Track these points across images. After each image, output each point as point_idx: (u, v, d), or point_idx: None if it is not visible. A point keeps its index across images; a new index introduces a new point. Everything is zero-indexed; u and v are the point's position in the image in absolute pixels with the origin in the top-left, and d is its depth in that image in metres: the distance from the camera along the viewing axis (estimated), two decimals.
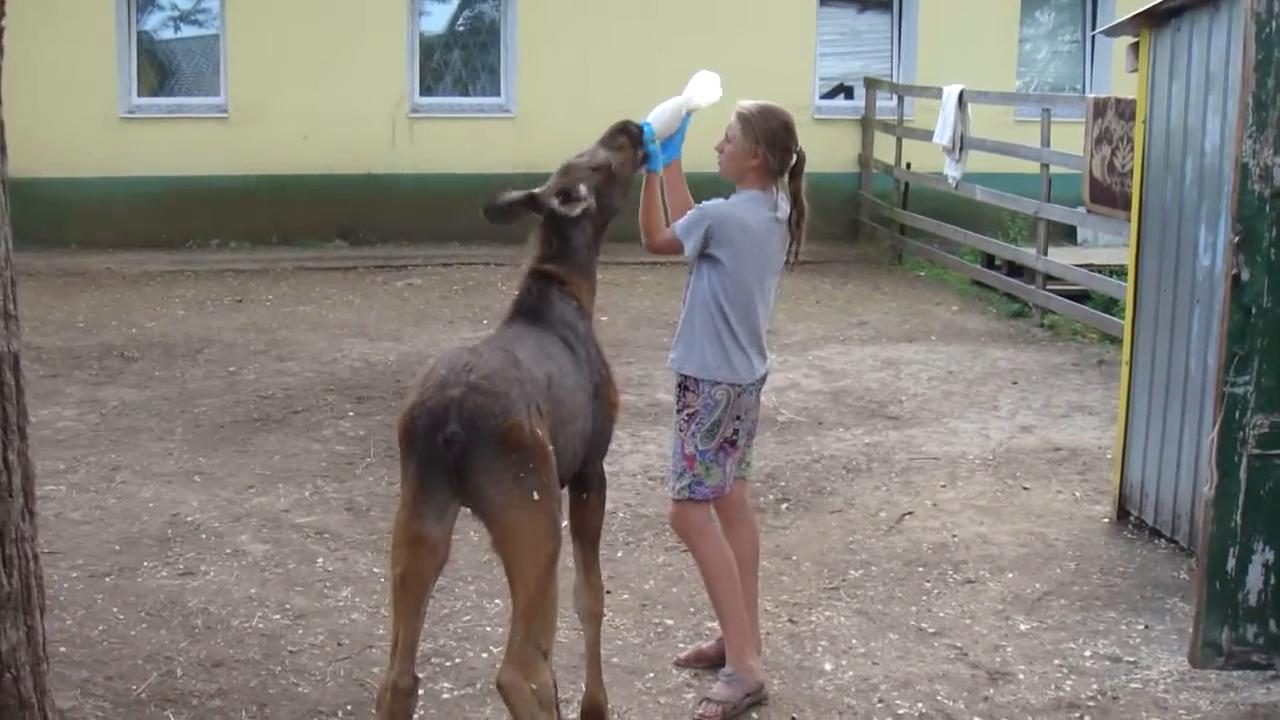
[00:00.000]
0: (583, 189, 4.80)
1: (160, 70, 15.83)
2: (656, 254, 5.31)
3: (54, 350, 10.57)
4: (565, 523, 4.42)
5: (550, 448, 4.20)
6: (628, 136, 5.03)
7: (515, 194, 4.81)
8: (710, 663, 5.43)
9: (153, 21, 15.76)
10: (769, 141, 5.06)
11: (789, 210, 5.14)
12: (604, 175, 4.91)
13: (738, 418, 5.15)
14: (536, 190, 4.83)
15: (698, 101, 5.19)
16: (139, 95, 15.49)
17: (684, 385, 5.18)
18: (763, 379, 5.26)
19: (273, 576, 6.32)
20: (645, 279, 13.77)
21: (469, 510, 4.20)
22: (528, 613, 4.13)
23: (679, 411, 5.20)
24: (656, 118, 5.13)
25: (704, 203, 5.13)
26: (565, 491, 4.59)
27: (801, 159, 5.13)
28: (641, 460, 8.07)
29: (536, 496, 4.11)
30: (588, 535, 4.81)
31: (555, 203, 4.78)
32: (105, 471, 7.75)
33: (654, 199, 5.17)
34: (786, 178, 5.13)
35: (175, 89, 15.78)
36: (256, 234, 15.44)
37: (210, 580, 6.26)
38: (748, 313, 5.10)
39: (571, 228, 4.81)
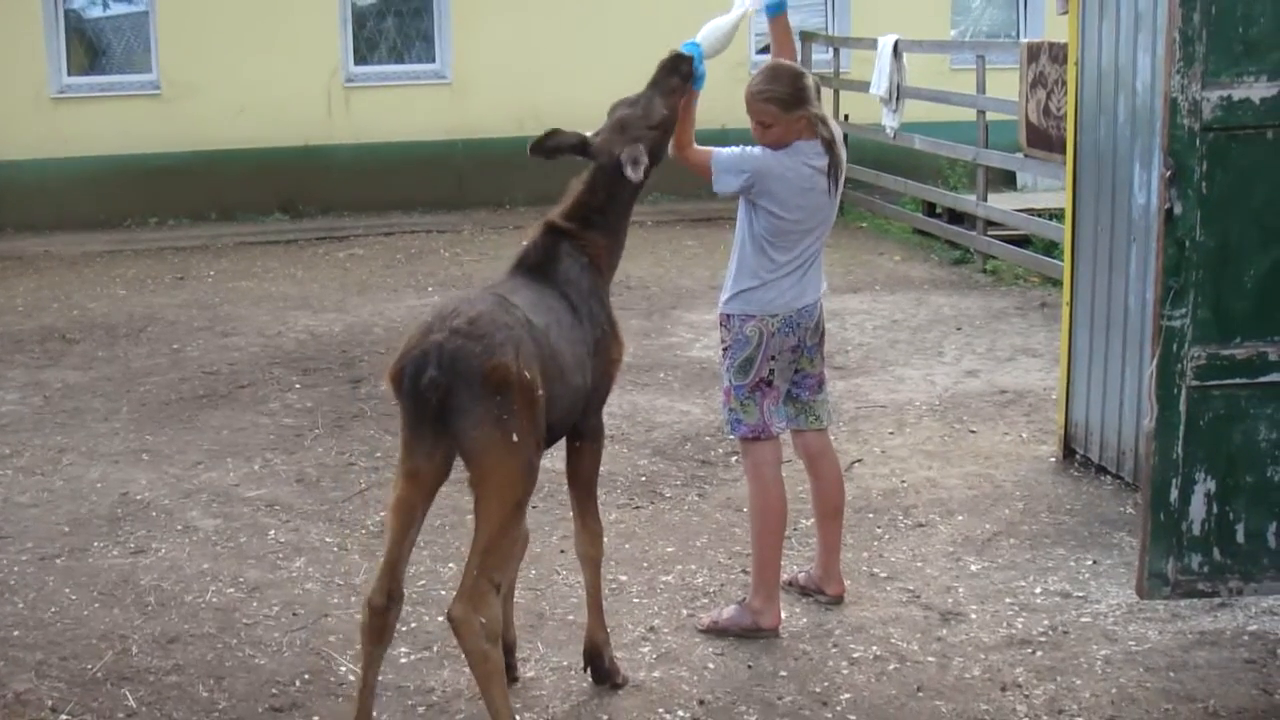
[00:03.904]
0: (643, 154, 4.82)
1: (90, 49, 15.64)
2: (683, 166, 5.32)
3: None
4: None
5: (540, 392, 4.26)
6: (680, 76, 5.00)
7: (566, 137, 4.86)
8: (800, 590, 5.72)
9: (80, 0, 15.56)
10: (804, 99, 5.15)
11: (827, 157, 5.22)
12: (661, 132, 4.95)
13: (772, 358, 5.30)
14: (589, 135, 4.86)
15: (750, 8, 5.28)
16: (69, 75, 15.32)
17: (721, 322, 5.39)
18: (808, 323, 5.34)
19: (225, 551, 6.30)
20: None
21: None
22: (486, 549, 4.24)
23: (720, 346, 5.44)
24: (706, 37, 5.12)
25: (748, 149, 5.20)
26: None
27: (818, 88, 5.26)
28: None
29: (516, 439, 4.20)
30: (581, 483, 4.89)
31: (629, 170, 4.78)
32: (52, 454, 7.68)
33: (689, 114, 5.18)
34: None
35: (106, 67, 15.60)
36: (195, 210, 15.32)
37: (162, 557, 6.23)
38: (792, 247, 5.23)
39: (618, 183, 4.86)
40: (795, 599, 5.66)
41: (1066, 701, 4.83)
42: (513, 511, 4.28)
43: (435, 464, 4.30)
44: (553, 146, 4.86)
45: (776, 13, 5.44)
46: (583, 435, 4.83)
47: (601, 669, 4.96)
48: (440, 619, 5.46)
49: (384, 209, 15.47)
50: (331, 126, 15.61)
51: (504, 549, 4.28)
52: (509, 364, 4.18)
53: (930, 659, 5.16)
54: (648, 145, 4.87)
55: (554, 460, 6.76)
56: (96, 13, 15.75)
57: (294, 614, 5.63)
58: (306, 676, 5.10)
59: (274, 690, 5.00)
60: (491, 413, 4.16)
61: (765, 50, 16.15)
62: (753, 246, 5.26)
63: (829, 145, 5.20)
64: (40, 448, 7.79)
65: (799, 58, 5.53)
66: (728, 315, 5.34)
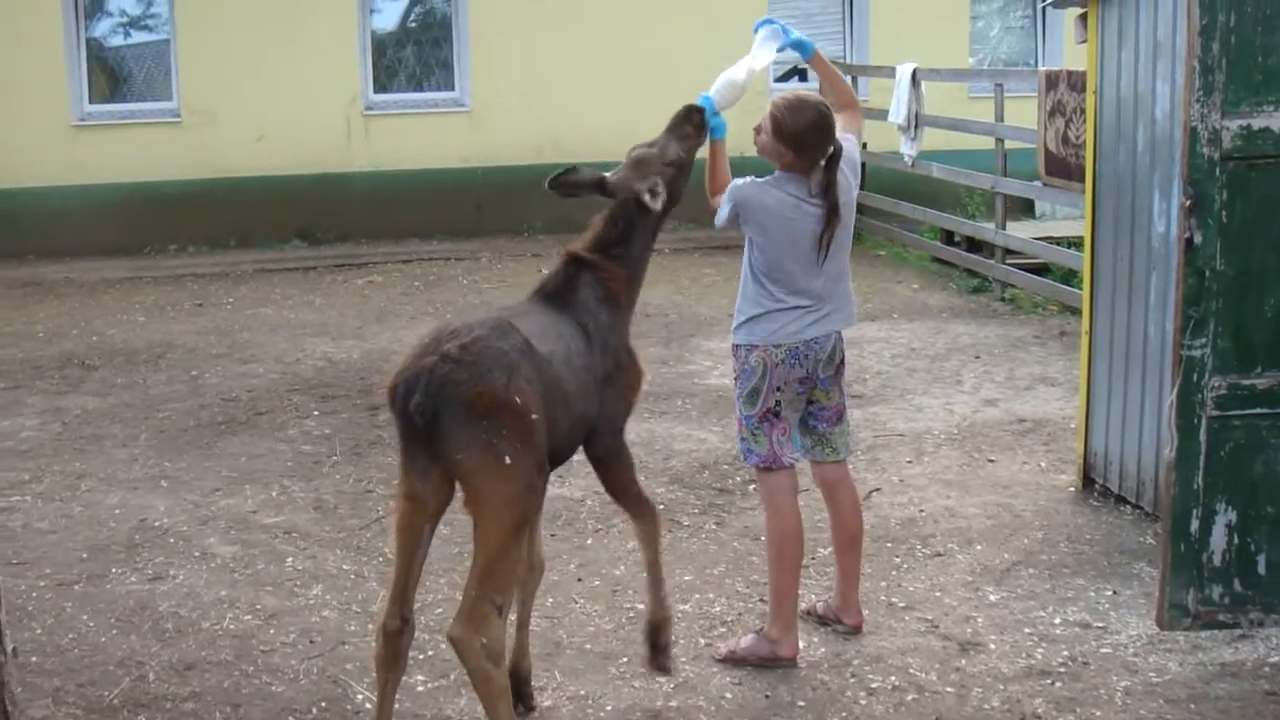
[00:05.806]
0: (660, 186, 4.91)
1: (111, 77, 15.72)
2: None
3: (14, 361, 10.50)
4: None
5: (534, 416, 4.27)
6: (692, 125, 5.13)
7: (585, 175, 4.94)
8: (818, 619, 5.68)
9: (102, 28, 15.65)
10: (796, 144, 5.15)
11: (821, 205, 5.19)
12: (675, 170, 5.03)
13: (778, 389, 5.28)
14: (607, 175, 4.94)
15: (758, 66, 5.36)
16: (91, 103, 15.38)
17: (732, 351, 5.43)
18: (819, 355, 5.30)
19: (242, 577, 6.30)
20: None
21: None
22: (485, 571, 4.26)
23: (733, 375, 5.47)
24: (719, 90, 5.24)
25: (737, 181, 5.27)
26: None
27: (838, 151, 5.20)
28: None
29: (509, 461, 4.21)
30: (620, 489, 4.92)
31: (647, 198, 4.89)
32: (70, 480, 7.70)
33: (718, 163, 5.34)
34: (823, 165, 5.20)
35: (127, 95, 15.67)
36: (214, 237, 15.36)
37: (180, 584, 6.23)
38: (789, 280, 5.21)
39: (639, 217, 4.95)
40: (813, 628, 5.64)
41: None
42: (511, 532, 4.29)
43: (432, 486, 4.32)
44: (571, 183, 4.93)
45: (809, 54, 5.47)
46: (601, 459, 4.86)
47: (658, 645, 4.94)
48: None
49: (403, 236, 15.51)
50: (351, 154, 15.67)
51: (504, 570, 4.29)
52: (496, 390, 4.20)
53: (949, 689, 5.13)
54: (664, 180, 4.95)
55: (569, 488, 6.79)
56: (118, 41, 15.84)
57: (311, 641, 5.63)
58: (323, 704, 5.09)
59: (291, 718, 5.00)
60: (479, 437, 4.19)
61: (783, 79, 16.35)
62: (752, 277, 5.28)
63: (829, 202, 5.16)
64: (59, 474, 7.81)
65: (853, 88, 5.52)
66: (736, 345, 5.36)
